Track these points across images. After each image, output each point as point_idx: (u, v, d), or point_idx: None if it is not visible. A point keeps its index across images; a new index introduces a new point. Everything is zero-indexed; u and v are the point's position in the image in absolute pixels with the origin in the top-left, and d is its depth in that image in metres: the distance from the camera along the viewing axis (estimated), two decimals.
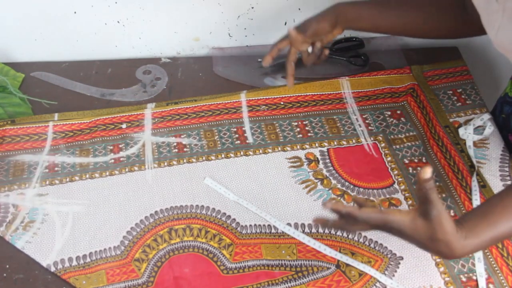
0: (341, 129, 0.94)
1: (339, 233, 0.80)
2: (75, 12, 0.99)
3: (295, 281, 0.75)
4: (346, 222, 0.65)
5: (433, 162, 0.88)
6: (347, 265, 0.76)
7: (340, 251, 0.78)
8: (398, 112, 0.96)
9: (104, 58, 1.07)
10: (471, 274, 0.75)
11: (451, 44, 1.08)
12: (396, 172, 0.88)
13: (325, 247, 0.78)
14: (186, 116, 0.95)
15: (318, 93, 0.98)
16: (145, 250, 0.78)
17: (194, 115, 0.95)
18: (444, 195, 0.84)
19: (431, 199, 0.58)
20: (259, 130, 0.93)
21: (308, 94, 0.98)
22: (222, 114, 0.95)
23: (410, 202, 0.84)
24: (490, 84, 1.15)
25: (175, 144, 0.91)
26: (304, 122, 0.94)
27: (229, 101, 0.97)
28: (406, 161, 0.89)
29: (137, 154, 0.90)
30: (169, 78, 1.04)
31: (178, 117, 0.95)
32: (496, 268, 0.76)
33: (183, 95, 0.99)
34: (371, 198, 0.84)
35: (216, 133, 0.93)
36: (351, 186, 0.86)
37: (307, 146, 0.91)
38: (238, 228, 0.81)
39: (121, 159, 0.89)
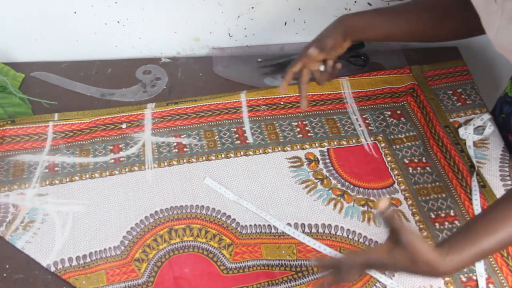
0: (341, 129, 0.94)
1: (339, 233, 0.80)
2: (75, 12, 0.99)
3: (295, 281, 0.75)
4: (337, 276, 0.66)
5: (433, 162, 0.88)
6: None
7: (340, 251, 0.78)
8: (398, 112, 0.96)
9: (104, 58, 1.07)
10: (471, 274, 0.75)
11: (451, 44, 1.07)
12: (396, 172, 0.88)
13: (325, 247, 0.78)
14: (186, 116, 0.95)
15: (318, 93, 0.98)
16: (145, 250, 0.78)
17: (194, 115, 0.95)
18: (444, 195, 0.84)
19: (395, 227, 0.60)
20: (259, 130, 0.93)
21: (308, 94, 0.97)
22: (222, 114, 0.95)
23: (410, 202, 0.84)
24: (490, 84, 1.15)
25: (175, 144, 0.91)
26: (304, 122, 0.94)
27: (229, 101, 0.97)
28: (406, 161, 0.89)
29: (137, 154, 0.90)
30: (169, 78, 1.04)
31: (178, 117, 0.95)
32: (496, 268, 0.76)
33: (183, 95, 0.99)
34: (371, 198, 0.84)
35: (216, 133, 0.93)
36: (351, 186, 0.86)
37: (307, 146, 0.91)
38: (238, 228, 0.81)
39: (121, 159, 0.89)
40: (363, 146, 0.91)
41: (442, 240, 0.66)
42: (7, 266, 0.77)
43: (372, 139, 0.92)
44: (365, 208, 0.83)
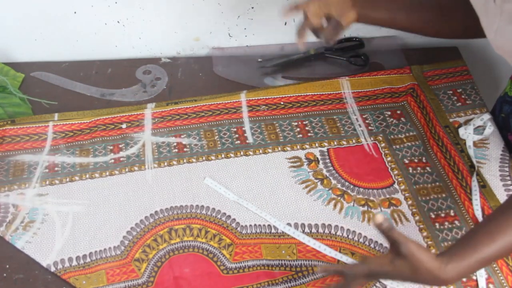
0: (341, 129, 0.94)
1: (339, 233, 0.80)
2: (75, 12, 0.99)
3: (295, 281, 0.75)
4: (343, 284, 0.66)
5: (433, 162, 0.88)
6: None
7: (340, 251, 0.78)
8: (398, 112, 0.96)
9: (104, 58, 1.07)
10: (471, 274, 0.75)
11: (451, 44, 1.08)
12: (396, 172, 0.88)
13: (325, 247, 0.78)
14: (186, 116, 0.95)
15: (318, 93, 0.98)
16: (145, 250, 0.78)
17: (194, 115, 0.95)
18: (444, 195, 0.84)
19: (394, 238, 0.61)
20: (259, 130, 0.93)
21: (308, 94, 0.98)
22: (222, 114, 0.95)
23: (410, 202, 0.84)
24: (489, 84, 1.15)
25: (175, 144, 0.91)
26: (304, 122, 0.94)
27: (229, 101, 0.97)
28: (406, 161, 0.89)
29: (137, 154, 0.90)
30: (169, 78, 1.04)
31: (178, 117, 0.95)
32: (496, 268, 0.76)
33: (183, 95, 0.99)
34: (371, 198, 0.84)
35: (216, 133, 0.93)
36: (351, 186, 0.86)
37: (307, 146, 0.91)
38: (238, 228, 0.81)
39: (121, 159, 0.89)
40: (363, 146, 0.91)
41: (444, 250, 0.66)
42: (7, 266, 0.77)
43: (372, 139, 0.92)
44: (365, 208, 0.83)
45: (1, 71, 1.01)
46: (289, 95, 0.97)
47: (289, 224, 0.81)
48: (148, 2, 0.99)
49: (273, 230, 0.81)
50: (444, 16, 0.83)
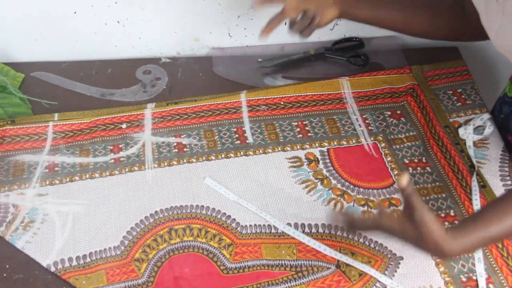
0: (341, 129, 0.94)
1: (339, 233, 0.80)
2: (75, 12, 0.99)
3: (295, 281, 0.75)
4: (349, 225, 0.71)
5: (433, 162, 0.88)
6: (347, 265, 0.76)
7: (340, 251, 0.78)
8: (398, 112, 0.96)
9: (104, 58, 1.07)
10: (471, 274, 0.75)
11: (451, 44, 1.07)
12: (396, 172, 0.88)
13: (325, 247, 0.78)
14: (186, 116, 0.95)
15: (318, 93, 0.98)
16: (145, 250, 0.78)
17: (194, 115, 0.95)
18: (444, 195, 0.84)
19: (412, 203, 0.62)
20: (259, 130, 0.93)
21: (308, 94, 0.98)
22: (222, 114, 0.95)
23: None
24: (489, 84, 1.15)
25: (175, 144, 0.91)
26: (304, 122, 0.94)
27: (229, 101, 0.97)
28: (406, 161, 0.89)
29: (137, 154, 0.90)
30: (169, 78, 1.04)
31: (178, 117, 0.95)
32: (496, 268, 0.76)
33: (183, 95, 0.99)
34: (371, 198, 0.84)
35: (216, 133, 0.93)
36: (351, 186, 0.86)
37: (307, 146, 0.91)
38: (238, 228, 0.81)
39: (121, 159, 0.89)
40: (363, 146, 0.91)
41: (453, 225, 0.68)
42: (7, 266, 0.77)
43: (372, 139, 0.92)
44: (365, 208, 0.83)
45: (1, 71, 1.01)
46: (289, 95, 0.97)
47: (289, 224, 0.81)
48: (148, 2, 0.99)
49: (273, 230, 0.81)
50: (432, 16, 0.83)
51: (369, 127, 0.94)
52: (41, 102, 0.98)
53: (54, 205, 0.83)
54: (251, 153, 0.90)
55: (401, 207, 0.83)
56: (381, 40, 1.10)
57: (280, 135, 0.93)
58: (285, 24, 1.05)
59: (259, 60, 1.06)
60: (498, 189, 0.83)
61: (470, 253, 0.76)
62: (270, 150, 0.91)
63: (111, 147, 0.91)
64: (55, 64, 1.05)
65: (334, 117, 0.95)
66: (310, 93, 0.98)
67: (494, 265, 0.76)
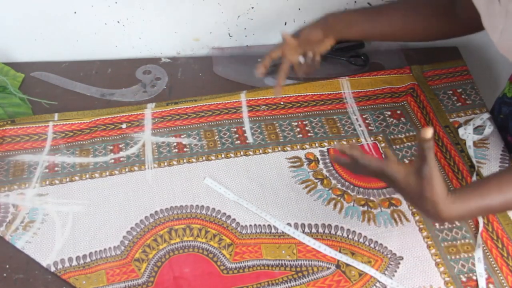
0: (341, 129, 0.94)
1: (339, 233, 0.80)
2: (75, 12, 0.99)
3: (295, 281, 0.75)
4: (351, 164, 0.71)
5: None
6: (347, 265, 0.76)
7: (340, 251, 0.78)
8: (398, 112, 0.96)
9: (104, 58, 1.07)
10: (471, 274, 0.75)
11: (451, 44, 1.08)
12: None
13: (325, 247, 0.78)
14: (186, 116, 0.95)
15: (318, 93, 0.98)
16: (145, 250, 0.78)
17: (194, 115, 0.95)
18: None
19: (427, 158, 0.61)
20: (259, 130, 0.93)
21: (308, 94, 0.98)
22: (222, 114, 0.95)
23: None
24: (489, 84, 1.15)
25: (175, 144, 0.91)
26: (304, 122, 0.94)
27: (229, 101, 0.97)
28: (406, 161, 0.89)
29: (137, 154, 0.90)
30: (169, 78, 1.04)
31: (178, 117, 0.95)
32: (496, 268, 0.76)
33: (183, 95, 0.99)
34: (371, 198, 0.84)
35: (216, 133, 0.93)
36: (351, 186, 0.86)
37: (307, 146, 0.91)
38: (238, 228, 0.81)
39: (121, 159, 0.89)
40: (363, 146, 0.91)
41: (454, 189, 0.68)
42: (7, 266, 0.77)
43: (372, 139, 0.92)
44: (365, 208, 0.83)
45: (1, 71, 1.01)
46: (289, 95, 0.97)
47: (289, 224, 0.81)
48: (148, 2, 0.99)
49: (273, 230, 0.81)
50: (431, 15, 0.83)
51: (369, 127, 0.94)
52: (41, 102, 0.98)
53: (54, 205, 0.83)
54: (251, 153, 0.90)
55: (401, 207, 0.83)
56: None
57: (280, 135, 0.93)
58: (285, 24, 1.05)
59: (259, 60, 1.05)
60: None
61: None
62: (270, 150, 0.91)
63: (111, 147, 0.91)
64: (55, 64, 1.05)
65: (334, 117, 0.95)
66: (310, 93, 0.98)
67: (494, 265, 0.76)
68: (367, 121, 0.95)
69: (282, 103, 0.97)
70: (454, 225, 0.80)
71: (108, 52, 1.07)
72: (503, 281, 0.75)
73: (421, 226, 0.81)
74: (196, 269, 0.76)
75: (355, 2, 1.02)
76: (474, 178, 0.84)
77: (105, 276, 0.76)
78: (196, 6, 1.00)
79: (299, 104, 0.97)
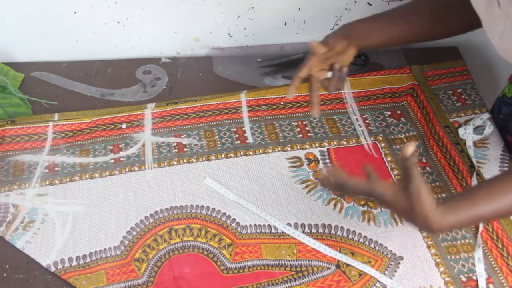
0: (341, 129, 0.94)
1: (339, 233, 0.80)
2: (75, 12, 0.99)
3: (295, 281, 0.75)
4: (340, 191, 0.72)
5: (433, 162, 0.88)
6: (347, 265, 0.76)
7: (340, 251, 0.78)
8: (398, 112, 0.96)
9: (104, 58, 1.07)
10: (471, 274, 0.75)
11: (451, 44, 1.08)
12: (396, 172, 0.87)
13: (325, 247, 0.78)
14: (186, 116, 0.95)
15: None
16: (145, 250, 0.78)
17: (194, 115, 0.95)
18: (444, 195, 0.84)
19: (411, 174, 0.62)
20: (259, 130, 0.93)
21: (308, 94, 0.98)
22: (222, 114, 0.95)
23: None
24: (489, 84, 1.15)
25: (175, 144, 0.91)
26: (304, 122, 0.94)
27: (229, 101, 0.97)
28: None
29: (137, 154, 0.90)
30: (169, 78, 1.04)
31: (178, 117, 0.95)
32: (496, 268, 0.76)
33: (183, 95, 0.99)
34: (371, 198, 0.84)
35: (216, 133, 0.93)
36: None
37: (307, 146, 0.91)
38: (238, 228, 0.81)
39: (121, 159, 0.89)
40: (363, 146, 0.91)
41: (444, 198, 0.69)
42: (7, 266, 0.77)
43: (372, 139, 0.92)
44: (365, 208, 0.83)
45: (1, 71, 1.01)
46: None
47: (289, 224, 0.81)
48: (148, 2, 0.99)
49: (273, 230, 0.81)
50: (443, 15, 0.83)
51: (369, 127, 0.94)
52: (41, 102, 0.98)
53: (54, 205, 0.83)
54: (251, 153, 0.90)
55: None
56: None
57: (280, 135, 0.93)
58: (285, 24, 1.05)
59: (259, 60, 1.06)
60: None
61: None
62: (270, 150, 0.91)
63: (111, 147, 0.91)
64: (55, 64, 1.05)
65: (334, 117, 0.95)
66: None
67: (494, 265, 0.76)
68: (367, 121, 0.95)
69: (282, 103, 0.97)
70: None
71: (108, 52, 1.07)
72: (503, 281, 0.75)
73: None
74: (196, 269, 0.76)
75: (355, 2, 1.02)
76: (474, 178, 0.84)
77: (105, 276, 0.76)
78: (196, 6, 1.00)
79: (299, 104, 0.97)
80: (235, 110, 0.96)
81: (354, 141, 0.92)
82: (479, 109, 0.94)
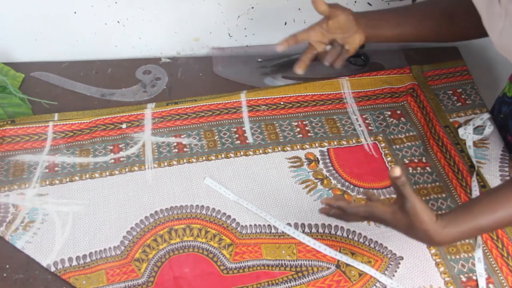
0: (341, 129, 0.94)
1: (339, 233, 0.80)
2: (75, 12, 0.99)
3: (295, 281, 0.75)
4: (341, 213, 0.72)
5: (433, 162, 0.88)
6: (347, 265, 0.76)
7: (340, 251, 0.78)
8: (398, 112, 0.96)
9: (104, 58, 1.07)
10: (471, 274, 0.75)
11: (451, 44, 1.07)
12: None
13: (325, 247, 0.78)
14: (186, 116, 0.95)
15: (318, 93, 0.98)
16: (145, 250, 0.78)
17: (194, 115, 0.95)
18: (444, 195, 0.84)
19: (404, 194, 0.63)
20: (259, 130, 0.93)
21: (308, 94, 0.98)
22: (222, 114, 0.95)
23: None
24: (489, 84, 1.15)
25: (175, 144, 0.91)
26: (304, 122, 0.94)
27: (229, 101, 0.97)
28: (406, 161, 0.89)
29: (137, 154, 0.90)
30: (169, 78, 1.04)
31: (178, 117, 0.95)
32: (496, 268, 0.76)
33: (183, 95, 0.99)
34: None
35: (216, 133, 0.93)
36: (351, 186, 0.86)
37: (307, 146, 0.91)
38: (238, 228, 0.81)
39: (121, 159, 0.89)
40: (363, 146, 0.91)
41: (444, 212, 0.70)
42: (7, 266, 0.77)
43: (372, 139, 0.92)
44: None
45: (1, 71, 1.01)
46: (289, 95, 0.97)
47: (289, 224, 0.81)
48: (148, 2, 0.99)
49: (273, 230, 0.81)
50: (453, 23, 0.83)
51: (369, 127, 0.94)
52: (41, 102, 0.98)
53: (54, 205, 0.83)
54: (251, 153, 0.90)
55: None
56: None
57: (280, 135, 0.93)
58: (285, 24, 1.05)
59: (259, 60, 1.06)
60: None
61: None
62: (270, 150, 0.91)
63: (111, 147, 0.91)
64: (55, 64, 1.05)
65: (334, 117, 0.95)
66: (310, 93, 0.98)
67: (494, 265, 0.76)
68: (367, 121, 0.95)
69: (282, 103, 0.97)
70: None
71: (108, 52, 1.07)
72: (503, 281, 0.75)
73: None
74: (196, 269, 0.76)
75: (355, 2, 1.02)
76: (474, 178, 0.84)
77: (105, 276, 0.76)
78: (196, 6, 1.00)
79: (299, 104, 0.97)
80: (235, 110, 0.96)
81: (354, 141, 0.92)
82: (479, 109, 0.94)
